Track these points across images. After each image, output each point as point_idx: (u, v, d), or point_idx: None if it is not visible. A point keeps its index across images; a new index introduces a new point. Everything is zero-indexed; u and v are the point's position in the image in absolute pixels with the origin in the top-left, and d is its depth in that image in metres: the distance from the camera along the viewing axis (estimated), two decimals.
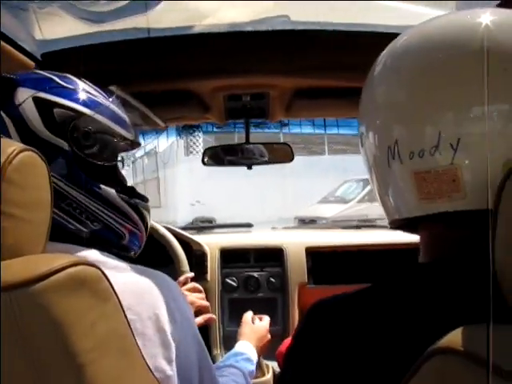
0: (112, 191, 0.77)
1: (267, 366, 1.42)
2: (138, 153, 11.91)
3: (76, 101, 0.75)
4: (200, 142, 10.98)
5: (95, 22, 1.17)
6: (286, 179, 9.56)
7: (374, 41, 1.12)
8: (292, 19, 1.23)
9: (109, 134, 0.78)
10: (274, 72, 1.25)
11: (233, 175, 7.13)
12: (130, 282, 0.68)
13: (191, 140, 11.15)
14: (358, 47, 1.18)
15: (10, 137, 0.68)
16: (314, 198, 9.33)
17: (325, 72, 1.25)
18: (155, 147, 12.06)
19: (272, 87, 1.33)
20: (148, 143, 11.00)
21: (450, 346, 0.37)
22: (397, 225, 0.62)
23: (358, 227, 2.30)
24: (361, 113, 0.65)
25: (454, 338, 0.38)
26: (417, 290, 0.52)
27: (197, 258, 1.82)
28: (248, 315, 1.31)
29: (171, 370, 0.67)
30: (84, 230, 0.73)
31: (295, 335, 0.60)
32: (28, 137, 0.69)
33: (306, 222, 6.54)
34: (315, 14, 1.20)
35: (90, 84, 0.81)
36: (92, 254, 0.69)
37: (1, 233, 0.50)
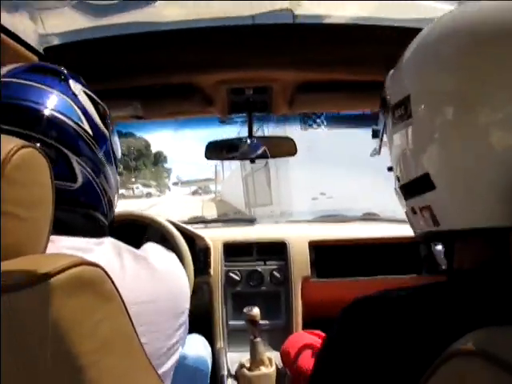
0: None
1: (270, 359, 1.43)
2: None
3: (101, 100, 0.80)
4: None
5: (97, 16, 1.17)
6: None
7: (377, 34, 1.12)
8: (295, 13, 1.23)
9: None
10: (276, 66, 1.25)
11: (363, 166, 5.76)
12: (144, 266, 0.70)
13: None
14: (361, 41, 1.18)
15: (81, 121, 0.71)
16: None
17: (328, 66, 1.24)
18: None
19: (275, 81, 1.33)
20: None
21: (471, 347, 0.36)
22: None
23: (361, 220, 2.30)
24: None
25: (474, 339, 0.37)
26: (459, 295, 0.51)
27: (200, 252, 1.82)
28: None
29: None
30: (107, 215, 0.79)
31: (332, 334, 0.58)
32: (92, 124, 0.73)
33: None
34: (318, 8, 1.20)
35: None
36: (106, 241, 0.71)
37: (2, 233, 0.49)
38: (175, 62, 1.22)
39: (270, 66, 1.25)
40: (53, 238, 0.62)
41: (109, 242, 0.70)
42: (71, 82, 0.74)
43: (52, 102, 0.69)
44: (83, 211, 0.73)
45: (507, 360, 0.34)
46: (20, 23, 1.04)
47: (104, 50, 1.19)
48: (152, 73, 1.26)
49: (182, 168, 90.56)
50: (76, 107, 0.71)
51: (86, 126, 0.72)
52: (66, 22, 1.17)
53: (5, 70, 0.70)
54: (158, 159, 48.40)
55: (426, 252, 1.83)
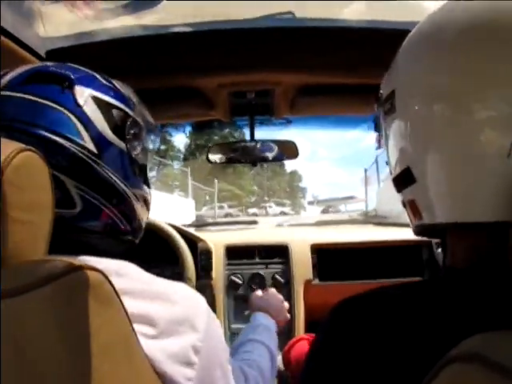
0: (148, 190, 0.80)
1: None
2: None
3: (123, 102, 0.73)
4: None
5: (99, 19, 1.17)
6: None
7: (380, 37, 1.12)
8: (297, 16, 1.23)
9: (146, 135, 0.78)
10: (278, 69, 1.25)
11: None
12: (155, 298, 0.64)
13: None
14: (364, 44, 1.18)
15: (81, 138, 0.65)
16: None
17: (330, 69, 1.24)
18: None
19: (277, 84, 1.33)
20: None
21: (469, 352, 0.36)
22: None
23: (364, 223, 2.30)
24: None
25: (474, 344, 0.37)
26: (450, 294, 0.51)
27: (202, 255, 1.82)
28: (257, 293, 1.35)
29: None
30: (129, 230, 0.74)
31: (322, 334, 0.57)
32: (98, 138, 0.66)
33: None
34: (320, 11, 1.20)
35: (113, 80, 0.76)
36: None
37: (1, 237, 0.49)
38: (176, 65, 1.22)
39: (272, 70, 1.25)
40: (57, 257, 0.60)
41: (118, 263, 0.67)
42: (77, 88, 0.66)
43: (47, 121, 0.63)
44: (92, 236, 0.68)
45: (506, 365, 0.33)
46: (22, 26, 1.04)
47: (105, 53, 1.19)
48: (153, 76, 1.26)
49: (318, 188, 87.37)
50: (77, 122, 0.65)
51: (88, 144, 0.65)
52: (68, 25, 1.17)
53: (5, 79, 0.65)
54: (293, 178, 47.66)
55: (428, 255, 1.83)
